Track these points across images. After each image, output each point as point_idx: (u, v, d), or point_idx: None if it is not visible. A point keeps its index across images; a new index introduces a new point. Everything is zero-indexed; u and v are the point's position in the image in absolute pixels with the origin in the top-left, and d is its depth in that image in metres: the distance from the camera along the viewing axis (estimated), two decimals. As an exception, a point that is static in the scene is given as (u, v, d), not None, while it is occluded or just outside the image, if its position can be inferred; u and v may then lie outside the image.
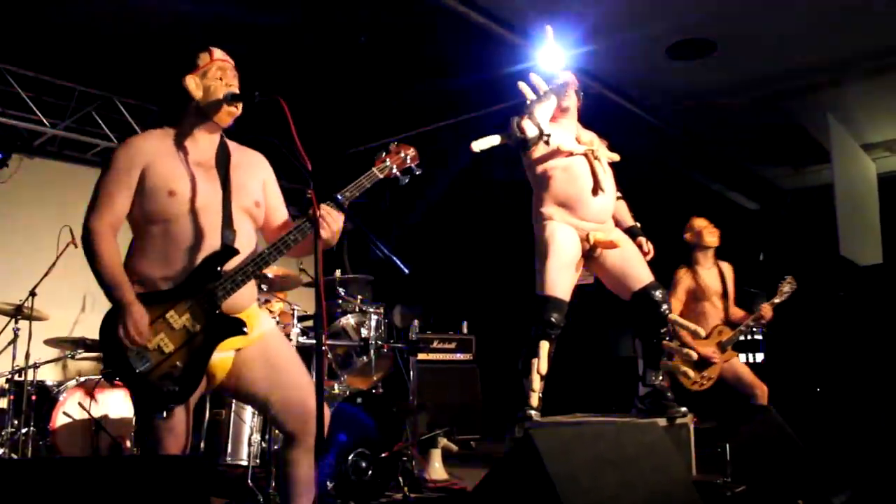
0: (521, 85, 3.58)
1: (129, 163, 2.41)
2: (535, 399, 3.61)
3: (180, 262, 2.38)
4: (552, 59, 3.70)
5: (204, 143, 2.55)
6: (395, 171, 2.71)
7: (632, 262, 3.82)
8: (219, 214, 2.45)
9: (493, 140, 3.62)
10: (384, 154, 2.72)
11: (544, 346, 3.64)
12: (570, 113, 3.88)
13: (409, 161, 2.75)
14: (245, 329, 2.44)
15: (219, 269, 2.41)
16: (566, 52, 3.72)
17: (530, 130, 3.49)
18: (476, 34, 5.25)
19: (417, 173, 2.78)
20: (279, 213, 2.73)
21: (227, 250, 2.43)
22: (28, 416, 4.71)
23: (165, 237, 2.40)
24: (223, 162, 2.56)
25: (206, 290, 2.38)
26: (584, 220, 3.75)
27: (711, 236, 5.14)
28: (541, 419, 3.58)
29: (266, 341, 2.57)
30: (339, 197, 2.56)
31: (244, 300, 2.51)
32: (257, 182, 2.65)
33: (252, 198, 2.59)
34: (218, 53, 2.57)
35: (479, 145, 3.57)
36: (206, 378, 2.43)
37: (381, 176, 2.69)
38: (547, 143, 3.58)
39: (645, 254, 3.93)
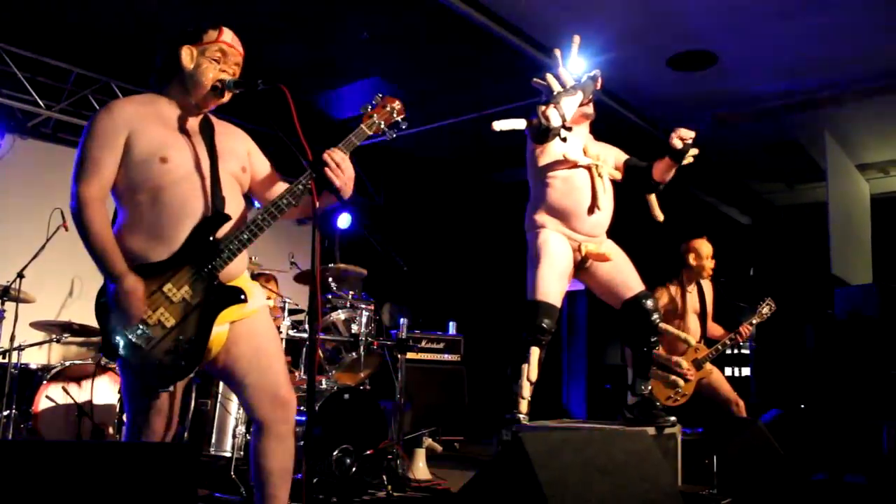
0: (549, 77, 3.55)
1: (114, 127, 2.32)
2: (524, 405, 3.60)
3: (172, 231, 2.31)
4: (576, 68, 3.67)
5: (188, 111, 2.49)
6: (383, 126, 2.63)
7: (622, 272, 3.81)
8: (208, 180, 2.39)
9: (516, 123, 3.57)
10: (370, 108, 2.64)
11: (535, 352, 3.62)
12: (584, 122, 3.86)
13: (395, 115, 2.65)
14: (243, 297, 2.39)
15: (212, 237, 2.35)
16: (584, 61, 3.70)
17: (554, 119, 3.45)
18: (478, 35, 5.26)
19: (404, 127, 2.69)
20: (271, 178, 2.66)
21: (219, 216, 2.37)
22: (10, 398, 4.66)
23: (155, 206, 2.31)
24: (207, 128, 2.51)
25: (203, 260, 2.32)
26: (577, 232, 3.74)
27: (710, 267, 5.11)
28: (529, 423, 3.57)
29: (256, 319, 2.52)
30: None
31: (237, 268, 2.46)
32: (242, 149, 2.60)
33: (239, 163, 2.54)
34: (226, 36, 2.49)
35: (500, 125, 3.52)
36: None
37: (371, 133, 2.61)
38: (564, 139, 3.55)
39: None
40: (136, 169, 2.32)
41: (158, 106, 2.45)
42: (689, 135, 3.71)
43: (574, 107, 3.58)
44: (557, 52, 3.67)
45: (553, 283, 3.67)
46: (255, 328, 2.50)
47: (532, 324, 3.61)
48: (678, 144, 3.69)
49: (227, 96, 2.49)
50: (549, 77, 3.55)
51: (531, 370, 3.60)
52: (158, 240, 2.31)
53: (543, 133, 3.47)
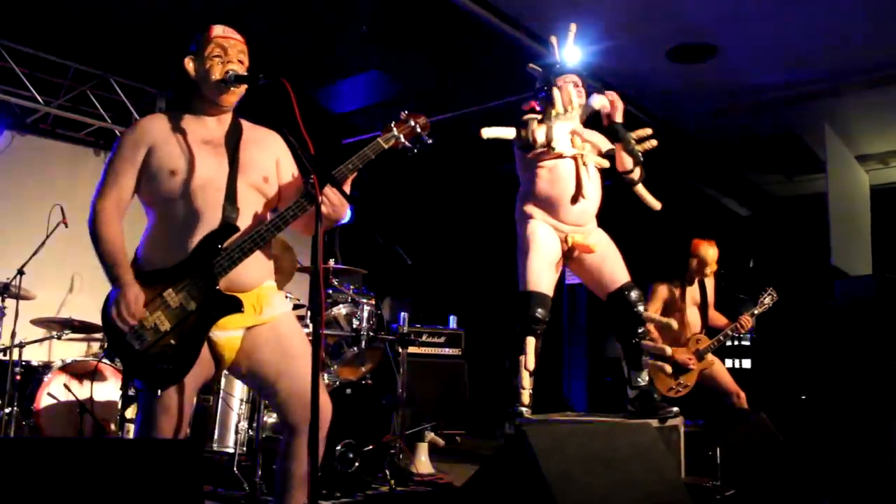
0: (555, 93, 3.56)
1: (135, 142, 2.43)
2: (525, 396, 3.60)
3: (183, 240, 2.36)
4: (572, 57, 3.67)
5: (212, 122, 2.53)
6: (402, 140, 2.53)
7: (609, 264, 3.82)
8: (222, 191, 2.41)
9: (505, 132, 3.58)
10: (392, 123, 2.56)
11: (531, 342, 3.64)
12: (572, 112, 3.85)
13: (419, 129, 2.56)
14: (242, 308, 2.39)
15: (219, 246, 2.38)
16: (580, 51, 3.70)
17: (540, 140, 3.49)
18: (476, 26, 5.24)
19: (429, 142, 2.59)
20: (292, 189, 2.61)
21: (228, 227, 2.39)
22: (12, 396, 4.65)
23: (169, 217, 2.39)
24: (233, 139, 2.52)
25: (203, 268, 2.35)
26: (564, 222, 3.75)
27: (713, 270, 5.09)
28: (531, 416, 3.58)
29: (279, 325, 2.51)
30: (337, 174, 2.43)
31: (253, 278, 2.46)
32: (269, 158, 2.58)
33: (261, 173, 2.53)
34: (217, 31, 2.51)
35: (489, 133, 3.54)
36: (213, 359, 2.42)
37: (387, 146, 2.53)
38: (553, 149, 3.57)
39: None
40: (152, 182, 2.41)
41: (184, 120, 2.50)
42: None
43: (565, 133, 3.61)
44: (553, 40, 3.67)
45: (543, 272, 3.69)
46: (280, 333, 2.50)
47: (525, 314, 3.62)
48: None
49: (242, 87, 2.49)
50: (555, 94, 3.56)
51: (528, 360, 3.61)
52: (172, 249, 2.37)
53: (529, 146, 3.52)
